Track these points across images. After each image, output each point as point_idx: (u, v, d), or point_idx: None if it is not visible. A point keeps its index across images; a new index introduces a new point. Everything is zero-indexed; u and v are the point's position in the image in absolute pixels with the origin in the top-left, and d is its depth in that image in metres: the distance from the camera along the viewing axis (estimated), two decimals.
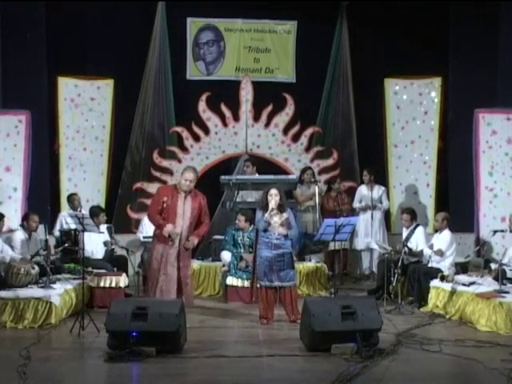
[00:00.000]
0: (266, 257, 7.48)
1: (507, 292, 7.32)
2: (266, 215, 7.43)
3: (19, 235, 8.56)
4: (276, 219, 7.48)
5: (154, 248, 7.74)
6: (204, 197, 7.85)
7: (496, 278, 7.69)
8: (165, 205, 7.58)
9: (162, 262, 7.60)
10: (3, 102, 10.30)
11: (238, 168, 11.18)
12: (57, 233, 9.54)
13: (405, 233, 9.00)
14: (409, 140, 11.64)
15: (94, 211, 9.24)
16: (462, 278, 8.13)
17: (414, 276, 8.49)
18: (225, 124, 11.40)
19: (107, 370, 5.79)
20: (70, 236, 8.85)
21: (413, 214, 9.04)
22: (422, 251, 8.67)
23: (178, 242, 7.62)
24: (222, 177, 9.80)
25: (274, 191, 7.50)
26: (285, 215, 7.51)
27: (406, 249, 8.58)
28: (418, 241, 8.77)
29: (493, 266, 8.22)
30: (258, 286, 7.65)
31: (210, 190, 10.39)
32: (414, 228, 8.92)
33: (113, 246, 9.27)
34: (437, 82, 11.61)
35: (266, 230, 7.50)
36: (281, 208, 7.51)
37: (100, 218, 9.05)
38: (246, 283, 8.66)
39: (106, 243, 9.15)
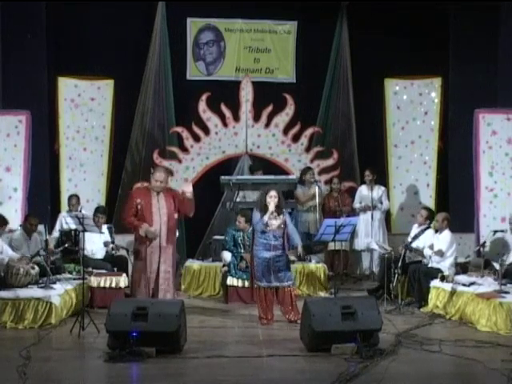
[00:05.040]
0: (264, 258, 7.45)
1: (507, 292, 7.32)
2: (265, 218, 7.41)
3: (19, 235, 8.58)
4: (274, 222, 7.45)
5: (137, 250, 7.64)
6: (177, 190, 7.85)
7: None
8: (139, 206, 7.53)
9: (147, 262, 7.52)
10: (3, 102, 10.29)
11: (238, 168, 11.18)
12: (57, 233, 9.54)
13: (415, 230, 8.96)
14: (409, 140, 11.64)
15: (97, 209, 9.25)
16: (462, 278, 8.13)
17: (415, 276, 8.48)
18: (225, 124, 11.39)
19: (107, 370, 5.79)
20: (70, 236, 8.86)
21: (431, 214, 9.00)
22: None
23: (158, 240, 7.53)
24: (222, 177, 9.82)
25: (273, 193, 7.46)
26: (282, 217, 7.49)
27: (410, 246, 8.57)
28: (425, 241, 8.70)
29: (496, 266, 8.19)
30: (255, 286, 7.58)
31: (210, 190, 10.45)
32: (426, 228, 8.89)
33: (113, 251, 9.25)
34: (437, 82, 11.60)
35: (263, 232, 7.47)
36: (278, 210, 7.48)
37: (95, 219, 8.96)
38: (247, 283, 8.65)
39: (105, 243, 9.14)
